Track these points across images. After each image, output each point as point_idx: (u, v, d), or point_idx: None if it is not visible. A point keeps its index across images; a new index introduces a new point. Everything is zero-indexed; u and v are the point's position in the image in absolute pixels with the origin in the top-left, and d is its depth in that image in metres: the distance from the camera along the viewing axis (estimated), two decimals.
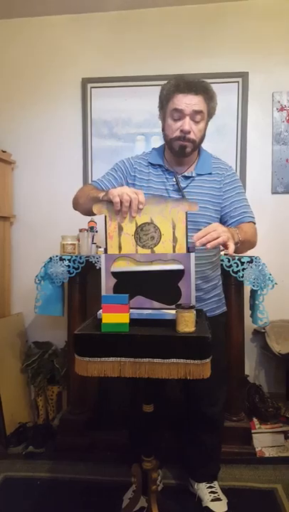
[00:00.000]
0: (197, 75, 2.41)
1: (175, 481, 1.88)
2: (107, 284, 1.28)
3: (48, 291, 2.16)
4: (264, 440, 2.10)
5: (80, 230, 2.28)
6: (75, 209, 1.61)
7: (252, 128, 2.48)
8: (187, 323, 1.15)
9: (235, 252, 1.40)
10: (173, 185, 1.57)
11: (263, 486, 1.84)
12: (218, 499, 1.69)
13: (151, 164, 1.62)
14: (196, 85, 1.47)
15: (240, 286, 2.09)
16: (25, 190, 2.65)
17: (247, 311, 2.15)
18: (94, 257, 2.09)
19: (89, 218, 2.33)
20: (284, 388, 2.35)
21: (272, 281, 2.03)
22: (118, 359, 1.13)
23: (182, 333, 1.15)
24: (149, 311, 1.25)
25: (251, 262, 2.00)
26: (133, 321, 1.18)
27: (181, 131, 1.48)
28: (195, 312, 1.18)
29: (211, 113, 1.55)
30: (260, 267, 2.01)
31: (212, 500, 1.68)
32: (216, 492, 1.72)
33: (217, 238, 1.22)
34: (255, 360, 2.50)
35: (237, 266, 2.00)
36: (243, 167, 2.48)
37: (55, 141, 2.61)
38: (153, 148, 1.69)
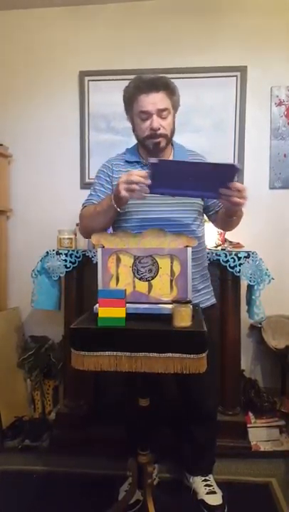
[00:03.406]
0: (196, 69, 2.43)
1: (171, 475, 1.89)
2: (103, 278, 1.28)
3: (44, 286, 2.16)
4: (259, 434, 2.11)
5: (77, 225, 2.27)
6: (88, 237, 1.57)
7: (250, 123, 2.47)
8: (183, 318, 1.15)
9: (229, 227, 1.63)
10: None
11: (258, 480, 1.85)
12: (213, 492, 1.71)
13: (128, 162, 1.63)
14: (156, 83, 1.49)
15: (237, 281, 2.09)
16: (22, 184, 2.63)
17: (243, 306, 2.16)
18: (90, 251, 2.09)
19: None
20: (279, 383, 2.36)
21: (268, 276, 2.04)
22: (114, 353, 1.14)
23: (178, 327, 1.15)
24: (146, 306, 1.25)
25: (248, 257, 2.01)
26: (129, 316, 1.18)
27: (151, 129, 1.50)
28: (191, 307, 1.18)
29: (176, 106, 1.57)
30: (257, 262, 2.02)
31: (207, 493, 1.70)
32: (211, 485, 1.74)
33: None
34: (251, 355, 2.51)
35: (234, 261, 2.00)
36: (241, 162, 2.47)
37: (52, 135, 2.60)
38: (126, 149, 1.71)
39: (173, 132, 1.59)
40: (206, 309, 1.66)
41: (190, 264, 1.25)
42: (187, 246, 1.26)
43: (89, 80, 2.53)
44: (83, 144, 2.56)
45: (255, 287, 2.07)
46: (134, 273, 1.28)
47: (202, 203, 1.64)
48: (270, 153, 2.47)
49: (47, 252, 2.13)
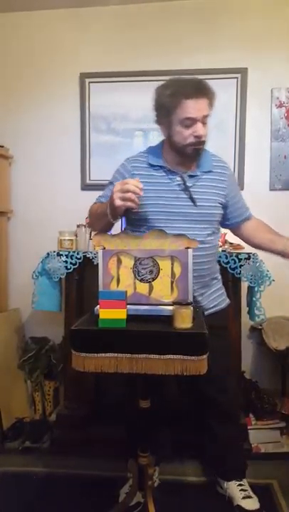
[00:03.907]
0: (196, 71, 2.42)
1: (171, 476, 1.89)
2: (104, 279, 1.28)
3: (45, 287, 2.16)
4: (260, 436, 2.11)
5: (78, 226, 2.28)
6: (94, 231, 1.61)
7: (250, 124, 2.47)
8: (184, 320, 1.15)
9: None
10: (179, 184, 1.55)
11: (258, 482, 1.84)
12: (250, 496, 1.68)
13: (151, 166, 1.58)
14: (202, 88, 1.45)
15: (238, 283, 2.09)
16: (23, 185, 2.63)
17: (244, 308, 2.16)
18: (91, 252, 2.09)
19: (86, 214, 2.32)
20: (280, 384, 2.35)
21: (269, 277, 2.04)
22: (115, 355, 1.14)
23: (179, 329, 1.15)
24: (146, 307, 1.25)
25: (248, 258, 2.01)
26: (130, 317, 1.18)
27: (196, 136, 1.46)
28: (192, 308, 1.18)
29: (211, 109, 1.53)
30: (258, 264, 2.02)
31: (244, 498, 1.67)
32: (247, 490, 1.71)
33: None
34: (251, 356, 2.51)
35: (234, 262, 2.00)
36: (242, 163, 2.47)
37: (53, 136, 2.60)
38: (149, 148, 1.66)
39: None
40: (225, 308, 1.73)
41: (191, 266, 1.25)
42: (188, 247, 1.26)
43: (89, 82, 2.53)
44: (84, 146, 2.57)
45: (256, 289, 2.07)
46: (134, 274, 1.28)
47: (221, 212, 1.64)
48: (270, 154, 2.47)
49: (47, 253, 2.13)
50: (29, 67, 2.59)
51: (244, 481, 1.75)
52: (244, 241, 1.80)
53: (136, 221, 1.58)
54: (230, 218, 1.70)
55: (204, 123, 1.47)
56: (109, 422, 2.06)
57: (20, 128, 2.61)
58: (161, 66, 2.43)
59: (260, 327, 2.29)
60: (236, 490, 1.71)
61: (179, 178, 1.55)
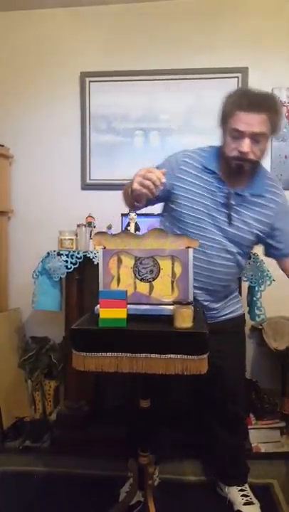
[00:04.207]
0: (196, 70, 2.43)
1: (172, 475, 1.89)
2: (104, 279, 1.28)
3: (45, 287, 2.16)
4: (260, 436, 2.11)
5: (78, 225, 2.28)
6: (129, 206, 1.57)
7: None
8: (184, 319, 1.15)
9: None
10: (223, 196, 1.48)
11: (259, 482, 1.85)
12: (251, 503, 1.67)
13: (205, 169, 1.50)
14: (261, 103, 1.36)
15: (238, 283, 2.09)
16: (23, 184, 2.64)
17: (244, 308, 2.15)
18: (92, 252, 2.09)
19: (86, 213, 2.33)
20: (280, 384, 2.35)
21: (269, 277, 2.04)
22: (115, 354, 1.14)
23: (179, 328, 1.15)
24: (147, 307, 1.25)
25: (249, 258, 2.00)
26: (130, 317, 1.18)
27: (240, 152, 1.38)
28: (192, 308, 1.18)
29: (276, 130, 1.42)
30: (258, 264, 2.02)
31: (245, 504, 1.66)
32: (248, 495, 1.70)
33: None
34: (252, 356, 2.50)
35: None
36: None
37: (53, 136, 2.60)
38: (210, 149, 1.56)
39: (262, 158, 1.46)
40: (242, 315, 1.72)
41: (191, 265, 1.25)
42: (188, 247, 1.26)
43: (90, 81, 2.53)
44: (84, 145, 2.57)
45: (256, 288, 2.07)
46: (135, 274, 1.28)
47: (255, 239, 1.56)
48: (271, 154, 2.47)
49: (48, 253, 2.13)
50: (29, 67, 2.59)
51: (246, 486, 1.73)
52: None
53: (172, 217, 1.57)
54: (274, 249, 1.59)
55: (256, 141, 1.37)
56: (109, 421, 2.07)
57: (20, 127, 2.61)
58: (161, 65, 2.43)
59: (260, 327, 2.29)
60: (237, 495, 1.70)
61: (226, 191, 1.48)
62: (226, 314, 1.65)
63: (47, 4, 2.52)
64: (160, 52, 2.48)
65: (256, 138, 1.37)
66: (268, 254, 1.65)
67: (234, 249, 1.53)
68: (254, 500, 1.69)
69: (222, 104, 1.43)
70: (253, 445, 2.08)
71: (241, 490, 1.71)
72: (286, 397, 2.23)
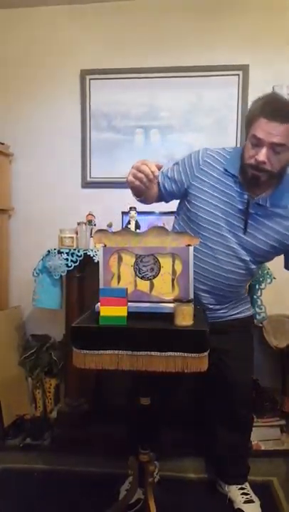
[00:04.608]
0: (197, 68, 2.42)
1: (172, 473, 1.89)
2: (105, 277, 1.28)
3: (46, 285, 2.16)
4: (260, 434, 2.11)
5: (79, 224, 2.27)
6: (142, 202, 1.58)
7: None
8: (185, 317, 1.15)
9: None
10: (242, 202, 1.44)
11: (259, 479, 1.85)
12: (251, 501, 1.67)
13: (225, 172, 1.45)
14: (285, 111, 1.29)
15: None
16: (24, 182, 2.63)
17: None
18: (92, 250, 2.09)
19: (87, 212, 2.32)
20: (280, 382, 2.35)
21: (270, 275, 2.03)
22: (116, 352, 1.14)
23: (180, 326, 1.15)
24: (147, 305, 1.25)
25: None
26: (131, 315, 1.18)
27: (256, 160, 1.33)
28: (193, 306, 1.18)
29: None
30: None
31: (245, 502, 1.66)
32: (248, 494, 1.69)
33: None
34: None
35: None
36: None
37: (53, 133, 2.60)
38: (234, 150, 1.50)
39: (284, 170, 1.40)
40: (250, 317, 1.70)
41: (192, 263, 1.25)
42: (189, 245, 1.26)
43: (90, 79, 2.52)
44: (84, 143, 2.56)
45: (257, 287, 2.06)
46: (135, 272, 1.28)
47: (273, 251, 1.52)
48: None
49: (48, 251, 2.13)
50: (29, 64, 2.58)
51: (246, 485, 1.73)
52: None
53: (186, 217, 1.55)
54: None
55: (276, 151, 1.31)
56: (109, 419, 2.07)
57: (20, 125, 2.61)
58: (162, 63, 2.42)
59: (260, 325, 2.29)
60: (237, 493, 1.70)
61: (246, 197, 1.43)
62: (234, 314, 1.63)
63: (47, 2, 2.51)
64: (160, 49, 2.47)
65: (275, 148, 1.31)
66: (287, 267, 1.59)
67: (247, 258, 1.49)
68: (254, 498, 1.69)
69: (250, 106, 1.39)
70: (253, 443, 2.08)
71: (241, 488, 1.71)
72: (286, 395, 2.23)
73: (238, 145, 2.45)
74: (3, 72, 2.61)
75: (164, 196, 1.59)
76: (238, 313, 1.64)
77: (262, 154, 1.31)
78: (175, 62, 2.43)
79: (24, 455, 2.06)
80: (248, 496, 1.69)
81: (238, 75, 2.43)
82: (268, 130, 1.28)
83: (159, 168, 1.31)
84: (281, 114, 1.28)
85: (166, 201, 1.63)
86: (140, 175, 1.28)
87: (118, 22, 2.50)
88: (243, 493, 1.69)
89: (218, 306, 1.58)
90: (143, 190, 1.35)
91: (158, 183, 1.54)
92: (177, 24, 2.47)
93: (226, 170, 1.46)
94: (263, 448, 2.08)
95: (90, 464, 1.96)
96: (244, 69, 2.42)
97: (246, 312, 1.68)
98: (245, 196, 1.43)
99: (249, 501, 1.67)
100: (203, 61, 2.42)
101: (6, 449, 2.12)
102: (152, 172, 1.27)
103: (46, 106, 2.58)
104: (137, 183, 1.30)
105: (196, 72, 2.44)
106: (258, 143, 1.32)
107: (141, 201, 1.53)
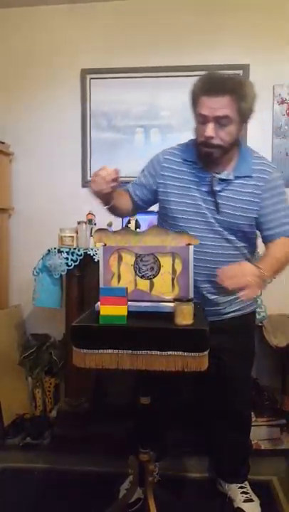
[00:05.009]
0: (197, 67, 2.41)
1: (172, 472, 1.89)
2: (105, 276, 1.28)
3: (46, 284, 2.16)
4: (260, 433, 2.11)
5: (79, 223, 2.28)
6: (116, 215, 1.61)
7: (252, 121, 2.42)
8: (185, 316, 1.15)
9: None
10: (207, 185, 1.46)
11: (258, 478, 1.85)
12: (251, 500, 1.67)
13: (185, 161, 1.50)
14: (223, 85, 1.33)
15: None
16: (24, 181, 2.63)
17: None
18: (92, 249, 2.09)
19: (87, 211, 2.32)
20: (280, 382, 2.36)
21: None
22: (116, 351, 1.14)
23: (180, 325, 1.15)
24: (147, 304, 1.25)
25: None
26: (131, 314, 1.18)
27: (205, 137, 1.37)
28: (193, 305, 1.18)
29: (245, 113, 1.39)
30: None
31: (244, 501, 1.66)
32: (248, 493, 1.69)
33: (243, 286, 1.28)
34: None
35: None
36: None
37: (54, 133, 2.59)
38: (185, 143, 1.56)
39: (234, 142, 1.43)
40: (250, 314, 1.67)
41: (192, 262, 1.25)
42: (189, 244, 1.26)
43: (90, 78, 2.52)
44: (85, 142, 2.56)
45: None
46: (135, 271, 1.28)
47: (253, 223, 1.50)
48: (272, 151, 2.47)
49: (48, 250, 2.13)
50: (30, 64, 2.58)
51: (246, 484, 1.73)
52: None
53: (163, 215, 1.57)
54: (262, 231, 1.52)
55: (222, 124, 1.35)
56: (109, 418, 2.07)
57: (21, 124, 2.61)
58: (162, 62, 2.42)
59: (260, 324, 2.29)
60: (237, 492, 1.69)
61: (209, 179, 1.46)
62: (234, 311, 1.58)
63: (47, 1, 2.51)
64: (161, 49, 2.47)
65: (221, 121, 1.35)
66: (263, 238, 1.54)
67: (232, 237, 1.49)
68: (254, 497, 1.69)
69: (191, 88, 1.42)
70: (253, 442, 2.08)
71: (241, 487, 1.71)
72: (286, 394, 2.23)
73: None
74: (4, 71, 2.61)
75: (138, 204, 1.61)
76: (238, 309, 1.59)
77: (209, 130, 1.35)
78: (175, 62, 2.43)
79: (24, 454, 2.06)
80: (247, 495, 1.68)
81: (239, 74, 2.42)
82: (211, 105, 1.33)
83: (117, 172, 1.33)
84: (219, 88, 1.33)
85: (144, 208, 1.65)
86: (98, 179, 1.31)
87: (118, 21, 2.50)
88: (242, 492, 1.69)
89: (217, 297, 1.53)
90: (105, 195, 1.38)
91: (129, 193, 1.58)
92: (177, 23, 2.47)
93: (184, 160, 1.50)
94: (262, 447, 2.08)
95: (89, 463, 1.96)
96: (244, 68, 2.42)
97: (247, 309, 1.62)
98: (208, 178, 1.46)
99: (249, 500, 1.67)
100: (203, 60, 2.42)
101: (6, 448, 2.12)
102: (109, 174, 1.31)
103: (46, 105, 2.58)
104: (97, 188, 1.33)
105: (196, 71, 2.41)
106: (204, 120, 1.36)
107: (112, 211, 1.52)
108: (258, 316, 2.09)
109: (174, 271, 1.27)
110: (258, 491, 1.72)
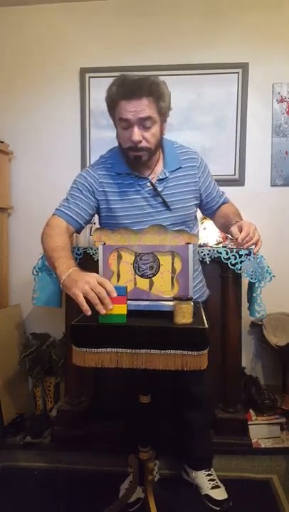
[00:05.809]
0: (197, 66, 2.42)
1: (171, 471, 1.89)
2: (104, 275, 1.28)
3: (45, 283, 2.15)
4: (260, 431, 2.11)
5: None
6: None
7: (252, 120, 2.46)
8: (184, 315, 1.15)
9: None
10: (149, 191, 1.49)
11: (258, 477, 1.85)
12: (218, 486, 1.70)
13: (119, 175, 1.50)
14: (139, 87, 1.33)
15: (238, 279, 2.09)
16: (23, 181, 2.63)
17: (244, 304, 2.16)
18: (92, 248, 2.09)
19: None
20: (280, 380, 2.36)
21: (270, 273, 2.03)
22: (115, 350, 1.14)
23: (180, 324, 1.15)
24: (147, 303, 1.25)
25: (249, 254, 2.00)
26: (130, 313, 1.18)
27: (132, 141, 1.37)
28: (192, 304, 1.18)
29: (164, 112, 1.40)
30: (258, 260, 2.01)
31: (212, 488, 1.69)
32: (215, 479, 1.74)
33: (256, 241, 1.37)
34: (252, 352, 2.51)
35: (235, 258, 2.00)
36: (243, 159, 2.46)
37: (53, 132, 2.59)
38: (110, 154, 1.55)
39: (160, 141, 1.46)
40: (206, 300, 1.73)
41: (191, 261, 1.25)
42: (188, 243, 1.26)
43: (90, 77, 2.52)
44: (84, 141, 2.56)
45: (256, 285, 2.06)
46: (135, 270, 1.28)
47: (194, 209, 1.62)
48: (271, 150, 2.46)
49: None
50: (29, 63, 2.58)
51: (212, 471, 1.77)
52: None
53: (111, 224, 1.54)
54: (207, 209, 1.68)
55: (145, 127, 1.36)
56: (109, 417, 2.07)
57: (20, 124, 2.60)
58: (161, 61, 2.42)
59: (260, 323, 2.29)
60: (205, 480, 1.73)
61: (148, 184, 1.48)
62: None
63: None
64: (160, 47, 2.46)
65: (145, 124, 1.35)
66: (204, 214, 1.73)
67: (185, 228, 1.53)
68: (220, 484, 1.72)
69: (106, 93, 1.42)
70: (253, 441, 2.08)
71: (208, 474, 1.75)
72: (286, 392, 2.24)
73: (238, 143, 2.45)
74: (3, 69, 2.60)
75: (82, 227, 1.57)
76: (197, 298, 1.61)
77: (135, 134, 1.35)
78: (175, 60, 2.43)
79: (24, 453, 2.06)
80: (214, 482, 1.72)
81: (238, 73, 2.43)
82: (131, 109, 1.33)
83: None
84: (136, 91, 1.33)
85: (82, 229, 1.61)
86: (93, 295, 1.12)
87: (118, 20, 2.50)
88: (210, 479, 1.73)
89: None
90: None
91: (69, 225, 1.54)
92: (177, 22, 2.46)
93: (117, 173, 1.50)
94: (262, 446, 2.08)
95: (89, 462, 1.97)
96: (244, 67, 2.41)
97: (204, 296, 1.71)
98: (148, 183, 1.49)
99: (216, 487, 1.70)
100: (202, 59, 2.42)
101: (6, 447, 2.12)
102: (109, 295, 1.12)
103: (46, 104, 2.58)
104: (78, 299, 1.13)
105: (195, 70, 2.44)
106: (127, 125, 1.36)
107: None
108: (257, 315, 2.09)
109: (173, 270, 1.27)
110: (258, 490, 1.73)
